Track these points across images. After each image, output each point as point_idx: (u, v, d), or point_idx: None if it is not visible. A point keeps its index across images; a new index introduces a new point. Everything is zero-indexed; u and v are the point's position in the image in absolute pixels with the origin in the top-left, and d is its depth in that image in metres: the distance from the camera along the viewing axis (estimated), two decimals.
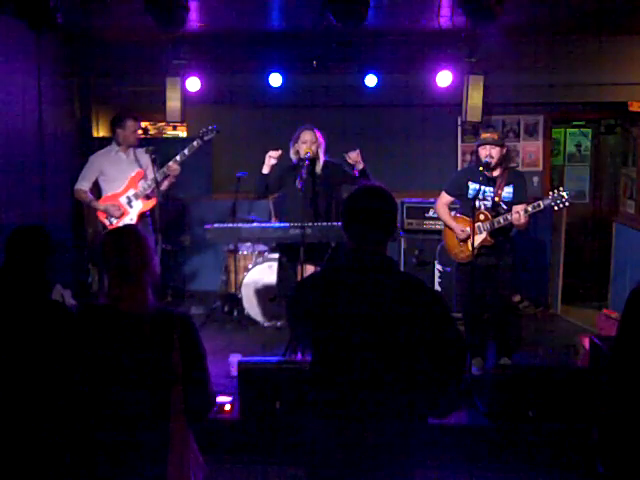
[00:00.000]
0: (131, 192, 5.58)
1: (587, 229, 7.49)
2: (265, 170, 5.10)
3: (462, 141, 7.28)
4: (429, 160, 7.19)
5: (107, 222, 5.56)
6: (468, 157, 7.27)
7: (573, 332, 5.92)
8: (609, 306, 6.55)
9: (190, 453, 2.45)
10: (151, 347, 2.34)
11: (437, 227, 6.44)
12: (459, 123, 7.14)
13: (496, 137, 4.93)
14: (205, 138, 5.55)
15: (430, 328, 2.28)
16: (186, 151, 5.51)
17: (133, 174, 5.60)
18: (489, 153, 4.88)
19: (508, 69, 6.35)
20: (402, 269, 6.49)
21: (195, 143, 5.51)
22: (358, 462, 2.30)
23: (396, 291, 2.32)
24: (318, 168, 5.16)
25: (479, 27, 5.28)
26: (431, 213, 6.48)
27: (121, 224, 5.32)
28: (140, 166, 5.61)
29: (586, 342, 4.92)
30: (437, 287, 6.41)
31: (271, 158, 5.09)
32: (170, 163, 5.52)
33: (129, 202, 5.59)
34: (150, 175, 5.53)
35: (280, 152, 5.15)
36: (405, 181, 7.13)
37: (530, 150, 7.25)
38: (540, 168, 7.16)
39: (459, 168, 7.20)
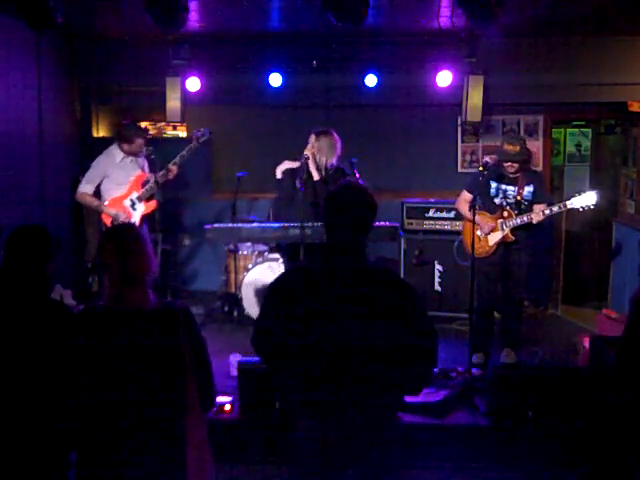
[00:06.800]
0: (134, 195, 5.65)
1: (587, 229, 7.48)
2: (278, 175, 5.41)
3: (462, 141, 7.27)
4: (429, 160, 7.17)
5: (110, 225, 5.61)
6: (468, 157, 7.26)
7: (573, 332, 5.92)
8: (609, 306, 6.54)
9: (207, 446, 2.49)
10: (159, 341, 2.36)
11: (437, 227, 6.43)
12: (459, 123, 7.13)
13: (518, 149, 4.91)
14: (200, 141, 5.66)
15: (405, 321, 2.33)
16: (184, 152, 5.62)
17: (135, 177, 5.67)
18: (510, 164, 4.94)
19: (508, 69, 6.35)
20: (402, 269, 6.49)
21: (192, 145, 5.63)
22: (345, 458, 2.32)
23: (371, 286, 2.35)
24: (317, 171, 5.30)
25: (479, 27, 5.28)
26: (431, 213, 6.47)
27: None
28: (142, 169, 5.73)
29: (586, 342, 4.93)
30: (437, 287, 6.40)
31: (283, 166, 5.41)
32: (170, 165, 5.62)
33: (132, 205, 5.64)
34: (152, 178, 5.60)
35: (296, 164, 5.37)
36: (405, 181, 7.13)
37: (530, 150, 7.23)
38: (540, 168, 7.14)
39: (459, 168, 7.24)
